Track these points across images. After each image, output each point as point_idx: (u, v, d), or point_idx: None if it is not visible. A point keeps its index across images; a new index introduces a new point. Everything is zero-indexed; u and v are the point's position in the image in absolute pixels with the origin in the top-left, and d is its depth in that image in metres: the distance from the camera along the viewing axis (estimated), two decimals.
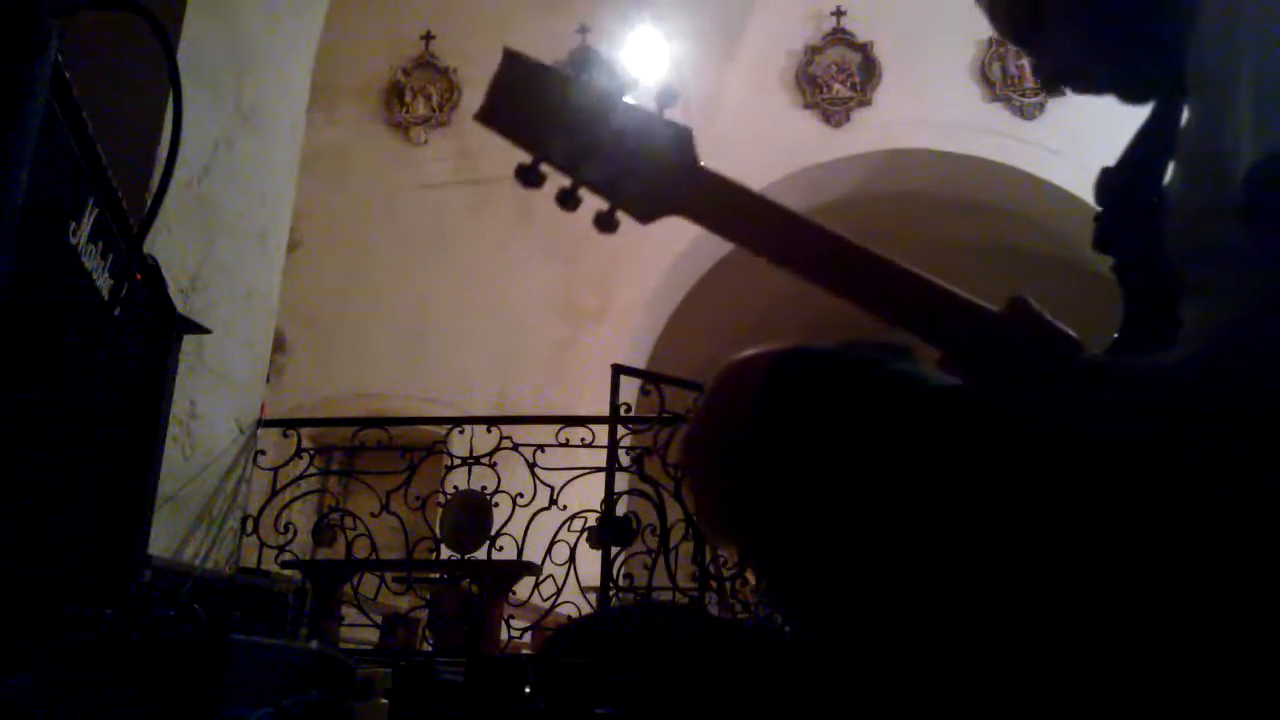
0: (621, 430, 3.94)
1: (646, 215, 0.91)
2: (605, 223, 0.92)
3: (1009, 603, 0.68)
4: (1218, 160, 0.74)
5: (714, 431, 0.77)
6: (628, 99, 0.90)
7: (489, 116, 0.91)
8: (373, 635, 4.02)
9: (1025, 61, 5.86)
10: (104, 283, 1.19)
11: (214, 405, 3.27)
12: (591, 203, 0.92)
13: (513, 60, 0.91)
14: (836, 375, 0.75)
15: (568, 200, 0.92)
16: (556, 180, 0.92)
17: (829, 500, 0.71)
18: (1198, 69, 0.80)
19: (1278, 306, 0.71)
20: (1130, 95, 0.97)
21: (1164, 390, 0.74)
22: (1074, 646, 0.66)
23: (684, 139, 0.90)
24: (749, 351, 0.78)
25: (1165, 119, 0.93)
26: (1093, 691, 0.66)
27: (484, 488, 3.99)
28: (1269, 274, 0.71)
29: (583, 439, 3.94)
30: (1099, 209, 0.99)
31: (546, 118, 0.90)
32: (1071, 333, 0.86)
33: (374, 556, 3.98)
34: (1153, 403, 0.73)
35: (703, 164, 0.91)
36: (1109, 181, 0.98)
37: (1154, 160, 0.93)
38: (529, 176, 0.91)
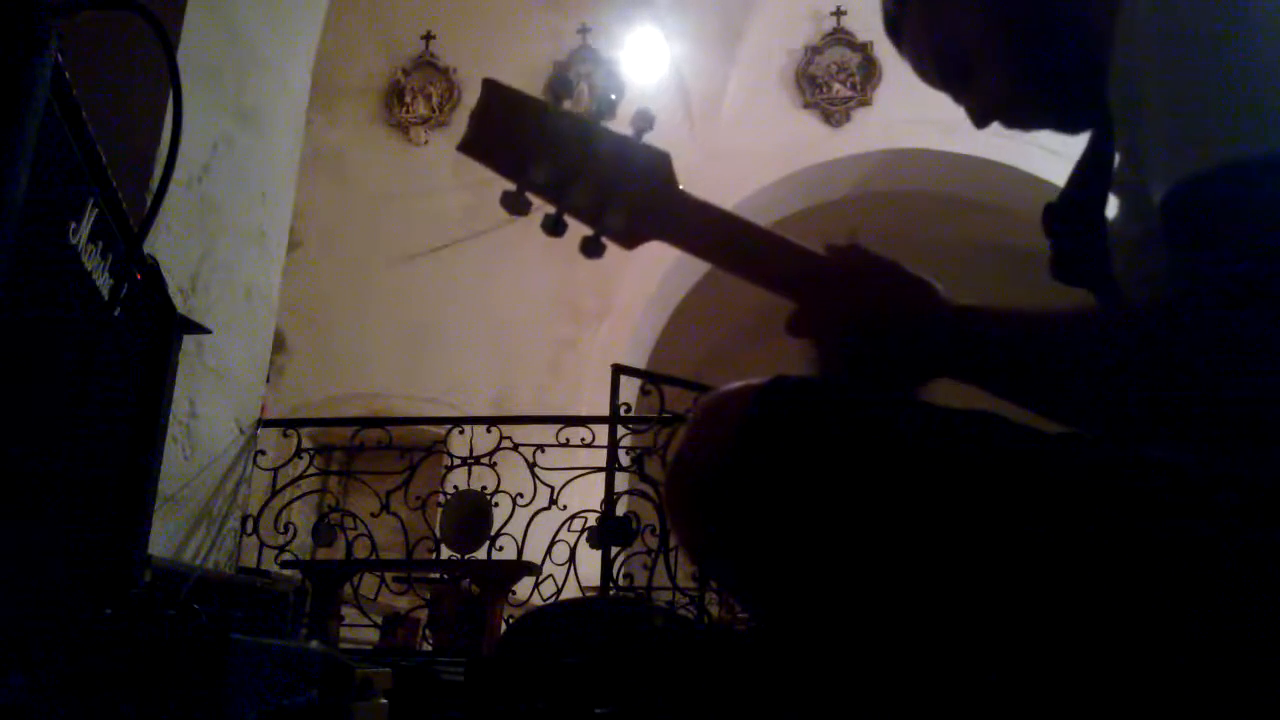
0: (621, 430, 3.95)
1: (629, 241, 0.92)
2: (591, 249, 0.93)
3: (993, 629, 0.68)
4: (1143, 190, 0.75)
5: (695, 467, 0.76)
6: (606, 125, 0.90)
7: (471, 146, 0.91)
8: (373, 635, 4.02)
9: None
10: (104, 283, 1.19)
11: (214, 405, 3.27)
12: (579, 226, 0.93)
13: (492, 90, 0.91)
14: (819, 411, 0.73)
15: (553, 226, 0.92)
16: (543, 207, 0.93)
17: (810, 535, 0.70)
18: (1117, 101, 0.80)
19: (1188, 310, 0.71)
20: (1066, 124, 0.96)
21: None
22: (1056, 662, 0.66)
23: (662, 164, 0.91)
24: (730, 385, 0.77)
25: (1101, 150, 0.93)
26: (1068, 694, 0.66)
27: (484, 488, 3.98)
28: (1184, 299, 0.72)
29: (583, 439, 3.94)
30: (1049, 241, 0.98)
31: (528, 146, 0.89)
32: (926, 278, 0.87)
33: (374, 556, 3.98)
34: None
35: (681, 187, 0.91)
36: (1053, 218, 0.97)
37: (1094, 191, 0.92)
38: (514, 203, 0.92)
